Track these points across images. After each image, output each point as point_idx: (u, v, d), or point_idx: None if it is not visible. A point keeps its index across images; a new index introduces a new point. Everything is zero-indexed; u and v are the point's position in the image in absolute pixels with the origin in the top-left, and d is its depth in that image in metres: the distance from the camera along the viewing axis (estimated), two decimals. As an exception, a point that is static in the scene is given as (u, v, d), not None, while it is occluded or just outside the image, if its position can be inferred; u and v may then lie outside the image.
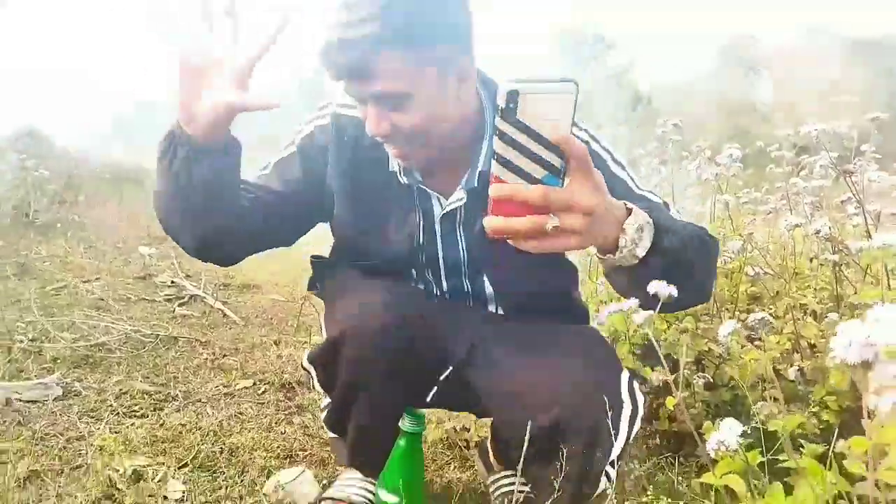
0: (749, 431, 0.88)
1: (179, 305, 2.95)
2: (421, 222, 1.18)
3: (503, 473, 1.37)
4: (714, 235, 1.05)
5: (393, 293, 1.11)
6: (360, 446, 1.19)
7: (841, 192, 1.95)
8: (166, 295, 3.14)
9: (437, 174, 1.15)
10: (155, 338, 2.37)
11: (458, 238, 1.19)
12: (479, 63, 1.09)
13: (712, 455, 0.85)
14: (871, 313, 0.64)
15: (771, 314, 1.84)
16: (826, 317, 1.66)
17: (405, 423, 1.00)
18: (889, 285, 1.30)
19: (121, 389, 1.85)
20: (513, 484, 1.24)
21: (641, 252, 0.84)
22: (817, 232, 1.57)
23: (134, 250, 4.24)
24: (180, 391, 1.90)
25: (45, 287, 2.97)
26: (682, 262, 0.89)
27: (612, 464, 1.05)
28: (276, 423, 1.74)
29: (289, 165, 1.18)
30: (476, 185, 1.11)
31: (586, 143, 1.13)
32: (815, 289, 1.86)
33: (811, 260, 2.05)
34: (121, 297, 2.99)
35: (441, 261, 1.21)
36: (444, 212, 1.16)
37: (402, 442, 1.01)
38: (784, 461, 1.05)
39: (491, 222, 0.72)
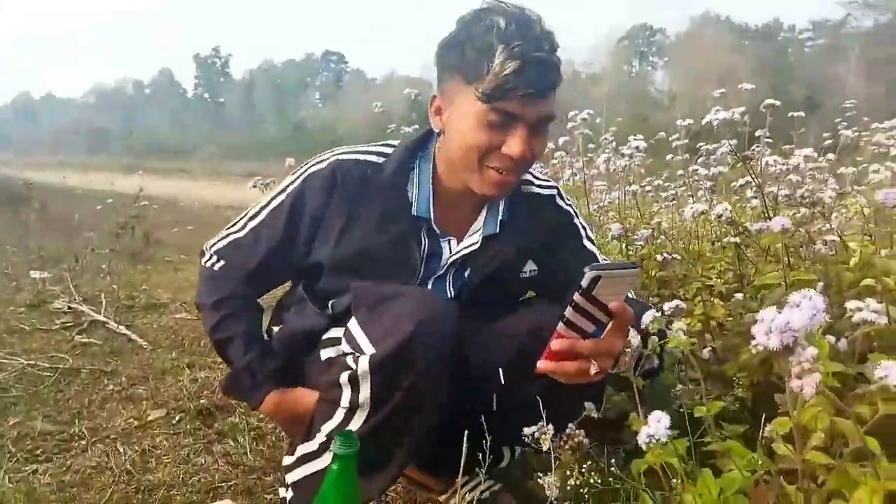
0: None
1: (79, 333, 2.75)
2: (423, 260, 1.21)
3: (463, 479, 1.37)
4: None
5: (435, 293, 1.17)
6: (422, 450, 1.16)
7: (735, 177, 2.06)
8: (63, 322, 2.92)
9: (453, 216, 1.23)
10: (54, 371, 2.19)
11: (456, 280, 1.25)
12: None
13: (644, 448, 0.86)
14: (790, 298, 0.66)
15: (680, 297, 1.92)
16: (732, 297, 1.75)
17: (336, 446, 0.95)
18: (789, 265, 1.37)
19: (19, 432, 1.70)
20: (485, 481, 1.31)
21: (633, 363, 1.02)
22: (719, 216, 1.65)
23: (24, 275, 3.93)
24: (86, 429, 1.76)
25: (-78, 324, 2.71)
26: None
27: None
28: (194, 454, 1.64)
29: (285, 208, 1.22)
30: (496, 231, 1.22)
31: (573, 216, 1.33)
32: (718, 270, 1.95)
33: (713, 243, 2.15)
34: (13, 328, 2.76)
35: None
36: (455, 255, 1.22)
37: (334, 466, 0.95)
38: (709, 444, 1.09)
39: (546, 365, 0.94)
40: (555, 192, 1.34)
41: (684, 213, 1.75)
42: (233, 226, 1.30)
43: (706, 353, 1.60)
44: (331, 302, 1.23)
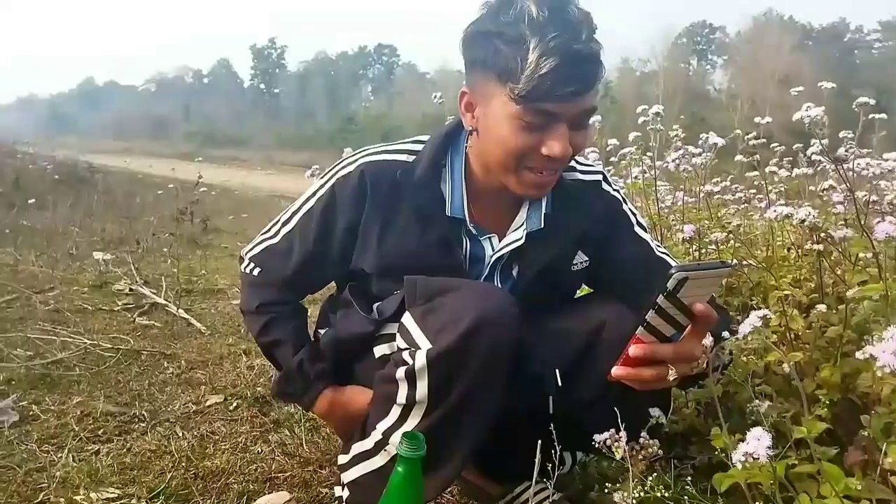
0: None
1: (140, 315, 2.81)
2: (467, 261, 1.16)
3: (522, 486, 1.34)
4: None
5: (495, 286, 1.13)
6: (480, 450, 1.12)
7: (815, 180, 1.94)
8: (125, 304, 3.00)
9: (491, 212, 1.17)
10: (116, 352, 2.24)
11: (504, 280, 1.20)
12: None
13: (738, 466, 0.80)
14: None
15: (754, 306, 1.83)
16: (812, 308, 1.65)
17: (402, 448, 0.92)
18: (885, 275, 1.28)
19: (83, 411, 1.73)
20: (544, 489, 1.26)
21: (704, 364, 0.94)
22: (802, 221, 1.55)
23: (88, 256, 4.06)
24: (146, 411, 1.78)
25: (-7, 301, 2.80)
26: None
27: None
28: (251, 442, 1.64)
29: (316, 215, 1.19)
30: (542, 225, 1.15)
31: (620, 202, 1.25)
32: (796, 279, 1.85)
33: (787, 249, 2.04)
34: (77, 308, 2.84)
35: None
36: (498, 253, 1.17)
37: (399, 468, 0.93)
38: (795, 465, 1.02)
39: (622, 371, 0.88)
40: (600, 177, 1.25)
41: (766, 215, 1.66)
42: (267, 231, 1.28)
43: (786, 367, 1.51)
44: (376, 305, 1.18)
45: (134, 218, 5.56)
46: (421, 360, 1.00)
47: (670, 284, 0.80)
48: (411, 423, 1.05)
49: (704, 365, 0.94)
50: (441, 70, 49.75)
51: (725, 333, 1.02)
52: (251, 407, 1.86)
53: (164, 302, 2.98)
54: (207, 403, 1.87)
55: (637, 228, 1.25)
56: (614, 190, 1.26)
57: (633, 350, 0.86)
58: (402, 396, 1.04)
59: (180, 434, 1.65)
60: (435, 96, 2.80)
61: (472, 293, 1.03)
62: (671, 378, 0.88)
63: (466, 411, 1.04)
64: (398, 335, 1.07)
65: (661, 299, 0.81)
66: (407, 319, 1.06)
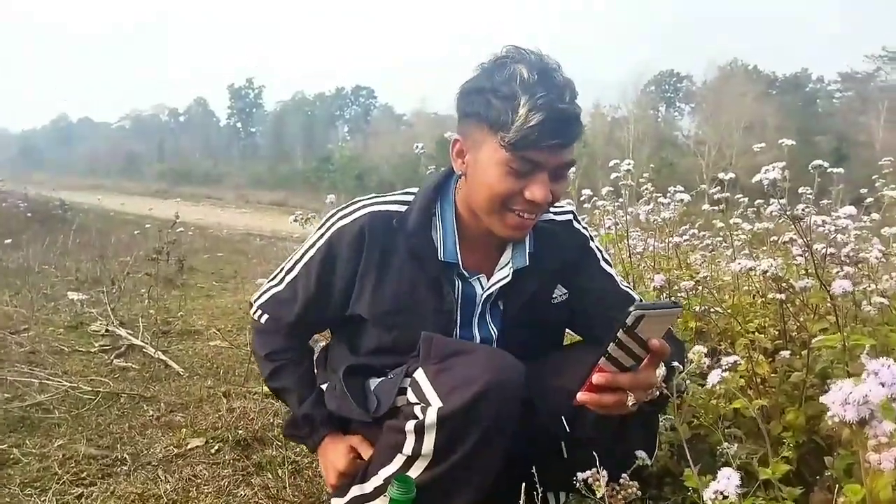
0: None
1: (117, 357, 2.79)
2: (459, 303, 1.23)
3: None
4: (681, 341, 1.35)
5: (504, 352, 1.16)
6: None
7: (778, 232, 2.05)
8: (102, 345, 2.98)
9: (479, 254, 1.25)
10: (95, 395, 2.23)
11: (494, 317, 1.27)
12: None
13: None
14: (868, 367, 0.67)
15: (719, 350, 1.91)
16: (777, 354, 1.73)
17: (393, 491, 0.96)
18: (843, 327, 1.37)
19: (64, 455, 1.73)
20: None
21: (657, 393, 1.03)
22: (765, 272, 1.65)
23: (62, 296, 4.02)
24: (128, 454, 1.78)
25: (-32, 341, 2.77)
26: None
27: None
28: (234, 485, 1.65)
29: (316, 264, 1.27)
30: (527, 263, 1.25)
31: (589, 238, 1.37)
32: (760, 326, 1.94)
33: (753, 297, 2.14)
34: (53, 349, 2.82)
35: (476, 341, 1.26)
36: (487, 291, 1.25)
37: (390, 510, 0.97)
38: (762, 505, 1.08)
39: (586, 397, 0.99)
40: (570, 216, 1.37)
41: (730, 267, 1.76)
42: (273, 279, 1.37)
43: (753, 410, 1.59)
44: (373, 388, 1.24)
45: (108, 257, 5.52)
46: (431, 416, 1.06)
47: (629, 320, 0.91)
48: (413, 474, 1.10)
49: (657, 393, 1.04)
50: (417, 112, 50.49)
51: (676, 363, 1.09)
52: (233, 450, 1.87)
53: (142, 343, 2.97)
54: (189, 446, 1.88)
55: (603, 264, 1.37)
56: (584, 228, 1.39)
57: (596, 378, 0.97)
58: (408, 448, 1.09)
59: (163, 478, 1.66)
60: (416, 146, 2.90)
61: (484, 358, 1.10)
62: (630, 404, 0.98)
63: (468, 469, 1.09)
64: (409, 389, 1.13)
65: (621, 333, 0.92)
66: (419, 375, 1.12)
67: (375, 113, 63.91)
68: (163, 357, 2.79)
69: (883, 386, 0.66)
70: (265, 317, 1.36)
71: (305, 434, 1.33)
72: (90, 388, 2.28)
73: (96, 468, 1.68)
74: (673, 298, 1.86)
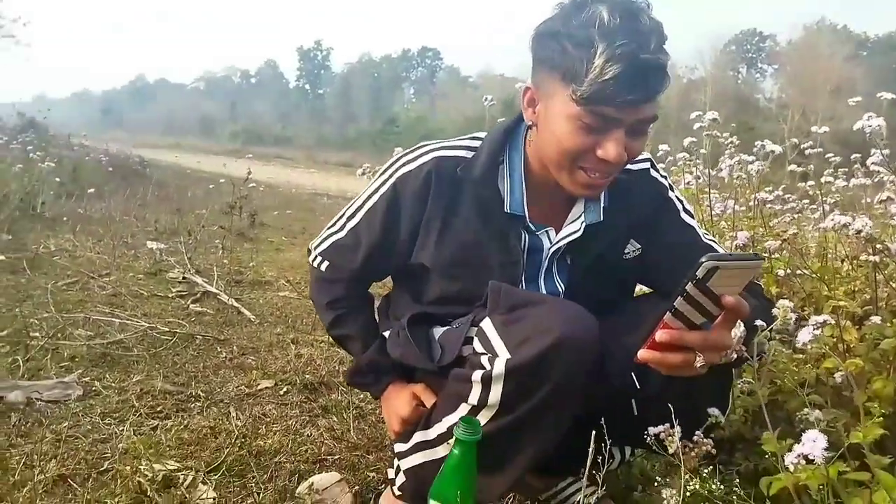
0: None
1: (193, 302, 2.91)
2: (525, 255, 1.18)
3: (566, 481, 1.38)
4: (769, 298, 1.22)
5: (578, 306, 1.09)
6: (548, 457, 1.13)
7: (871, 192, 1.91)
8: (178, 291, 3.10)
9: (548, 206, 1.19)
10: (172, 335, 2.32)
11: (561, 271, 1.22)
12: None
13: (791, 469, 0.81)
14: None
15: (804, 315, 1.81)
16: (866, 321, 1.63)
17: (459, 432, 0.95)
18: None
19: (142, 389, 1.81)
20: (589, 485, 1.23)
21: (735, 355, 0.94)
22: (858, 232, 1.53)
23: (142, 245, 4.21)
24: (202, 391, 1.86)
25: (56, 282, 2.93)
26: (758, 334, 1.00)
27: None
28: (301, 425, 1.70)
29: (380, 211, 1.22)
30: (601, 218, 1.17)
31: (668, 188, 1.26)
32: (850, 290, 1.82)
33: (841, 261, 2.01)
34: (133, 293, 2.96)
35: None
36: (556, 245, 1.19)
37: (456, 451, 0.96)
38: (847, 473, 1.02)
39: (648, 355, 0.89)
40: (648, 164, 1.25)
41: (818, 224, 1.65)
42: (332, 226, 1.31)
43: (838, 377, 1.50)
44: (438, 336, 1.21)
45: (185, 210, 5.73)
46: (499, 367, 1.01)
47: (699, 273, 0.80)
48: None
49: (734, 356, 0.94)
50: (483, 74, 49.85)
51: (760, 322, 1.01)
52: (300, 392, 1.92)
53: (216, 291, 3.08)
54: (259, 387, 1.94)
55: (684, 215, 1.26)
56: (662, 176, 1.27)
57: (660, 335, 0.86)
58: (473, 397, 1.06)
59: (234, 414, 1.72)
60: (486, 98, 2.83)
61: (557, 310, 1.04)
62: (699, 365, 0.89)
63: (534, 424, 1.05)
64: (476, 338, 1.09)
65: (689, 286, 0.82)
66: (487, 325, 1.07)
67: (441, 75, 63.48)
68: (235, 304, 2.88)
69: None
70: (325, 264, 1.32)
71: (370, 381, 1.33)
72: (167, 330, 2.38)
73: (171, 403, 1.76)
74: (755, 252, 1.75)
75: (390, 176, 1.22)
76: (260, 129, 48.91)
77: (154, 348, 2.19)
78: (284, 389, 1.94)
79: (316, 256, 1.33)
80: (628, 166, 1.23)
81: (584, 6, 0.98)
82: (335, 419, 1.74)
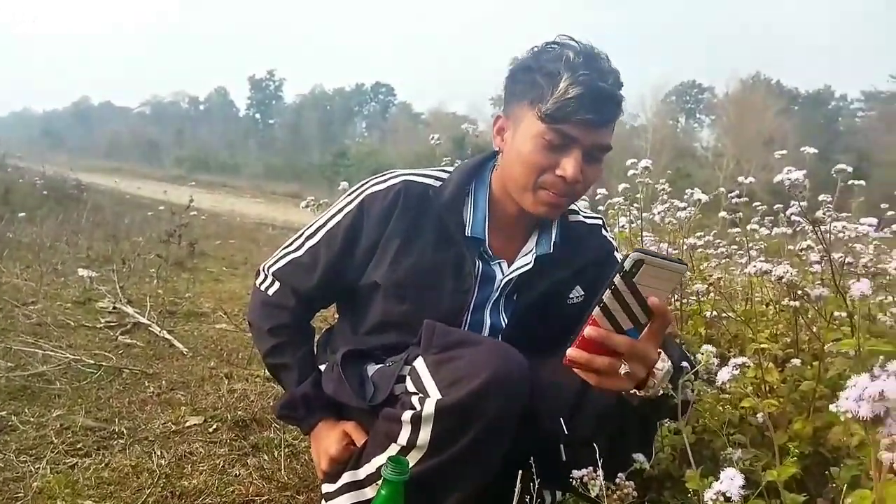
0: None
1: (122, 334, 2.80)
2: (477, 283, 1.22)
3: None
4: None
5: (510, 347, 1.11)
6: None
7: (793, 241, 2.01)
8: (108, 321, 2.98)
9: (505, 239, 1.25)
10: (98, 368, 2.23)
11: (507, 307, 1.25)
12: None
13: (710, 504, 0.83)
14: (889, 368, 0.64)
15: (729, 356, 1.87)
16: (787, 363, 1.70)
17: (387, 471, 0.94)
18: (858, 334, 1.33)
19: (62, 425, 1.73)
20: None
21: (660, 390, 0.97)
22: (780, 277, 1.61)
23: (73, 272, 4.03)
24: (126, 428, 1.78)
25: (-24, 310, 2.78)
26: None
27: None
28: (229, 464, 1.64)
29: (343, 228, 1.25)
30: (552, 251, 1.24)
31: (615, 248, 1.36)
32: (773, 334, 1.90)
33: (766, 305, 2.10)
34: (60, 322, 2.83)
35: (485, 327, 1.24)
36: (508, 276, 1.23)
37: (383, 491, 0.95)
38: (764, 511, 1.05)
39: (576, 354, 0.90)
40: (600, 222, 1.37)
41: (743, 270, 1.72)
42: (289, 246, 1.32)
43: (760, 417, 1.55)
44: (371, 374, 1.21)
45: (121, 237, 5.55)
46: (429, 408, 1.02)
47: (627, 264, 0.83)
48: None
49: (658, 390, 0.97)
50: (435, 112, 50.46)
51: (685, 364, 1.05)
52: (231, 430, 1.86)
53: (147, 322, 2.97)
54: (187, 424, 1.87)
55: (618, 255, 1.35)
56: (611, 237, 1.38)
57: (588, 331, 0.89)
58: (403, 438, 1.05)
59: (159, 453, 1.65)
60: (432, 138, 2.88)
61: (489, 351, 1.05)
62: (623, 372, 0.91)
63: (463, 464, 1.05)
64: (408, 377, 1.09)
65: (617, 279, 0.84)
66: (419, 364, 1.08)
67: (394, 110, 63.99)
68: (167, 336, 2.79)
69: (901, 385, 0.63)
70: (275, 286, 1.31)
71: (301, 416, 1.30)
72: (93, 362, 2.28)
73: (93, 440, 1.68)
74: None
75: (357, 196, 1.25)
76: (206, 156, 48.03)
77: (77, 381, 2.10)
78: (214, 426, 1.87)
79: (266, 277, 1.33)
80: (582, 219, 1.30)
81: (552, 49, 1.12)
82: (266, 458, 1.69)
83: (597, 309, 0.87)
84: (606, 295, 0.85)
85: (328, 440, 1.24)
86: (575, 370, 0.92)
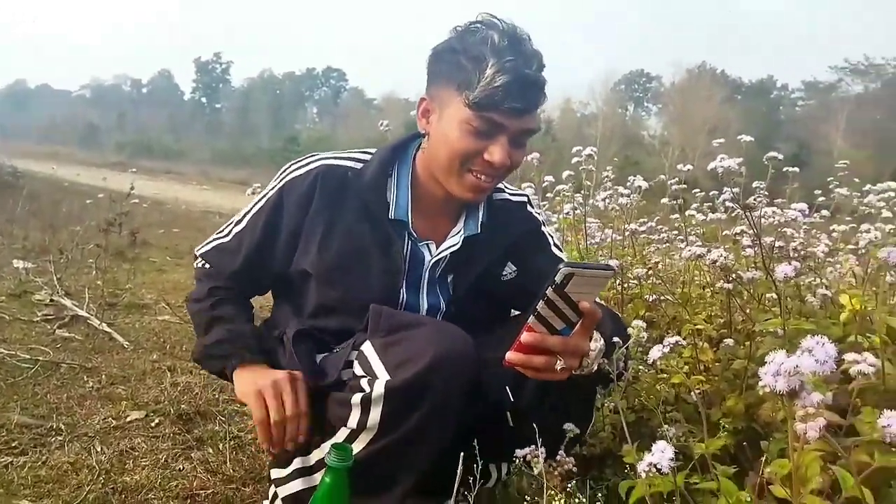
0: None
1: (60, 327, 2.71)
2: (407, 264, 1.22)
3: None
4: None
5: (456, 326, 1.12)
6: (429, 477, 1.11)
7: (729, 225, 2.09)
8: (45, 314, 2.88)
9: (431, 221, 1.25)
10: (34, 363, 2.15)
11: (443, 288, 1.27)
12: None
13: (643, 476, 0.86)
14: (803, 343, 0.68)
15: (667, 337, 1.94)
16: (721, 343, 1.77)
17: (330, 458, 0.94)
18: (787, 314, 1.39)
19: (-5, 423, 1.66)
20: None
21: (595, 366, 1.05)
22: (714, 261, 1.68)
23: (7, 264, 3.87)
24: (64, 424, 1.72)
25: None
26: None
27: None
28: (172, 459, 1.61)
29: (264, 213, 1.25)
30: (478, 232, 1.25)
31: (541, 223, 1.38)
32: (708, 315, 1.97)
33: (703, 288, 2.18)
34: (-7, 316, 2.71)
35: (422, 309, 1.24)
36: (436, 257, 1.24)
37: (327, 478, 0.95)
38: (697, 483, 1.09)
39: (514, 356, 0.96)
40: (525, 199, 1.39)
41: (681, 254, 1.78)
42: (220, 231, 1.34)
43: (695, 395, 1.61)
44: (319, 359, 1.21)
45: (58, 226, 5.34)
46: (378, 389, 1.03)
47: (558, 278, 0.89)
48: (357, 447, 1.07)
49: (594, 367, 1.06)
50: (388, 98, 50.05)
51: (616, 339, 1.09)
52: (174, 424, 1.82)
53: (86, 314, 2.88)
54: (128, 419, 1.83)
55: (554, 248, 1.38)
56: (537, 212, 1.40)
57: (525, 337, 0.95)
58: (353, 421, 1.06)
59: (99, 449, 1.61)
60: (381, 123, 2.86)
61: (435, 331, 1.07)
62: (559, 367, 0.97)
63: (413, 444, 1.06)
64: (356, 362, 1.10)
65: (549, 291, 0.90)
66: (367, 348, 1.09)
67: (345, 96, 63.24)
68: (107, 329, 2.71)
69: (816, 362, 0.67)
70: (207, 266, 1.32)
71: (228, 352, 1.20)
72: (29, 357, 2.20)
73: (29, 437, 1.62)
74: (607, 262, 1.87)
75: (279, 182, 1.26)
76: (149, 141, 46.45)
77: (13, 377, 2.02)
78: (157, 421, 1.83)
79: (199, 259, 1.34)
80: (508, 196, 1.32)
81: (477, 30, 1.12)
82: (210, 451, 1.67)
83: (532, 318, 0.93)
84: (540, 305, 0.92)
85: (271, 374, 1.16)
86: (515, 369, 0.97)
